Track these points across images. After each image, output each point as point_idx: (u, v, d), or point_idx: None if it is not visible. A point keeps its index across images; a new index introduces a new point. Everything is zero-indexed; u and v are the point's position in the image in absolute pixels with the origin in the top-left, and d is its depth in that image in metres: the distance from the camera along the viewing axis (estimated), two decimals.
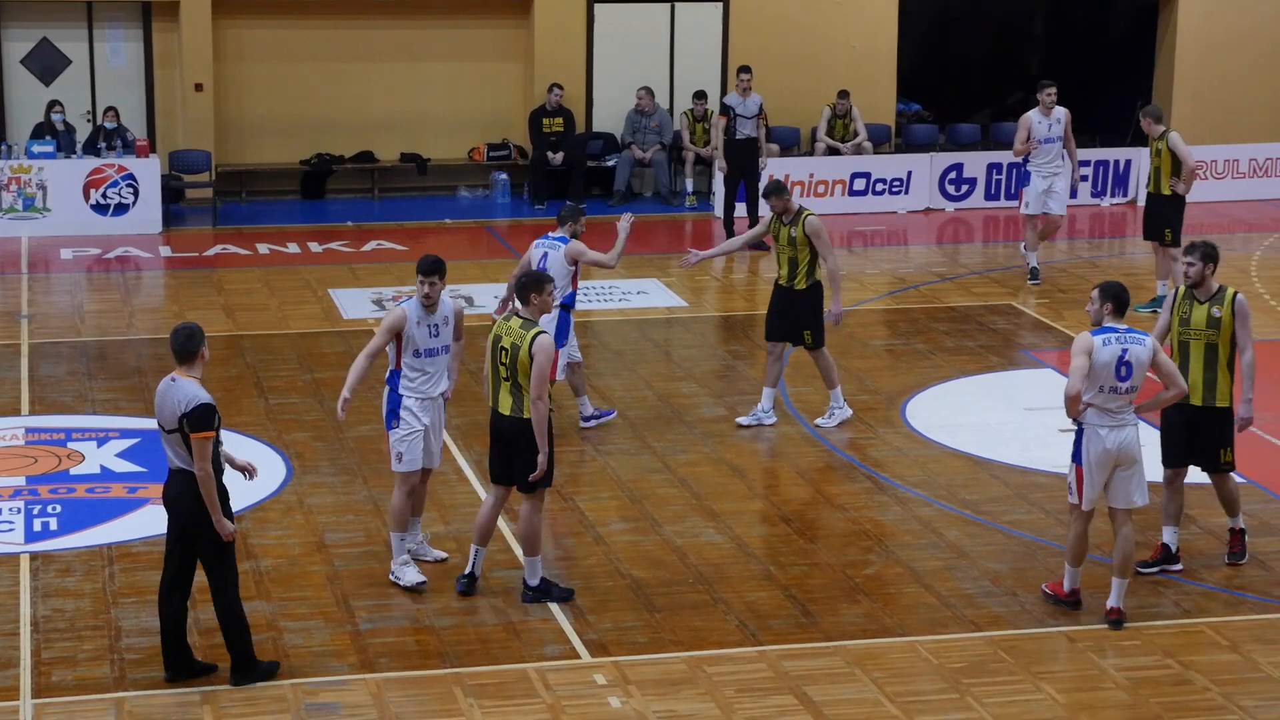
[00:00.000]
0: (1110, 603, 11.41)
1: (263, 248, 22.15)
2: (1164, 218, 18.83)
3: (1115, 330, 11.28)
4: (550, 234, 14.92)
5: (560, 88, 24.52)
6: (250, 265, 21.27)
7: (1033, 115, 20.26)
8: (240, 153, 24.86)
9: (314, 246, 22.21)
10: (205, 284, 20.32)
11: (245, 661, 10.55)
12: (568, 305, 14.73)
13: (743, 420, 15.33)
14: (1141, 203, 24.55)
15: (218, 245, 22.34)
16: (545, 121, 24.58)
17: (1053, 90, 20.21)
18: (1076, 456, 11.37)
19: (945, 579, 12.11)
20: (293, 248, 22.16)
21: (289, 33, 24.80)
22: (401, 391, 11.82)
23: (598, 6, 25.14)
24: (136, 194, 22.81)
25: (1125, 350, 11.19)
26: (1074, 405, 11.22)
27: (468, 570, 11.83)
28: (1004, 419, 15.39)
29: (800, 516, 13.32)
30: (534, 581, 11.71)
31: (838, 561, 12.42)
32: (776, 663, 10.86)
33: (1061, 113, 20.22)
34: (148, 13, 24.34)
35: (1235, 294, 11.99)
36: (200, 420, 10.15)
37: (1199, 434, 12.03)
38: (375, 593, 11.82)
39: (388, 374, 11.92)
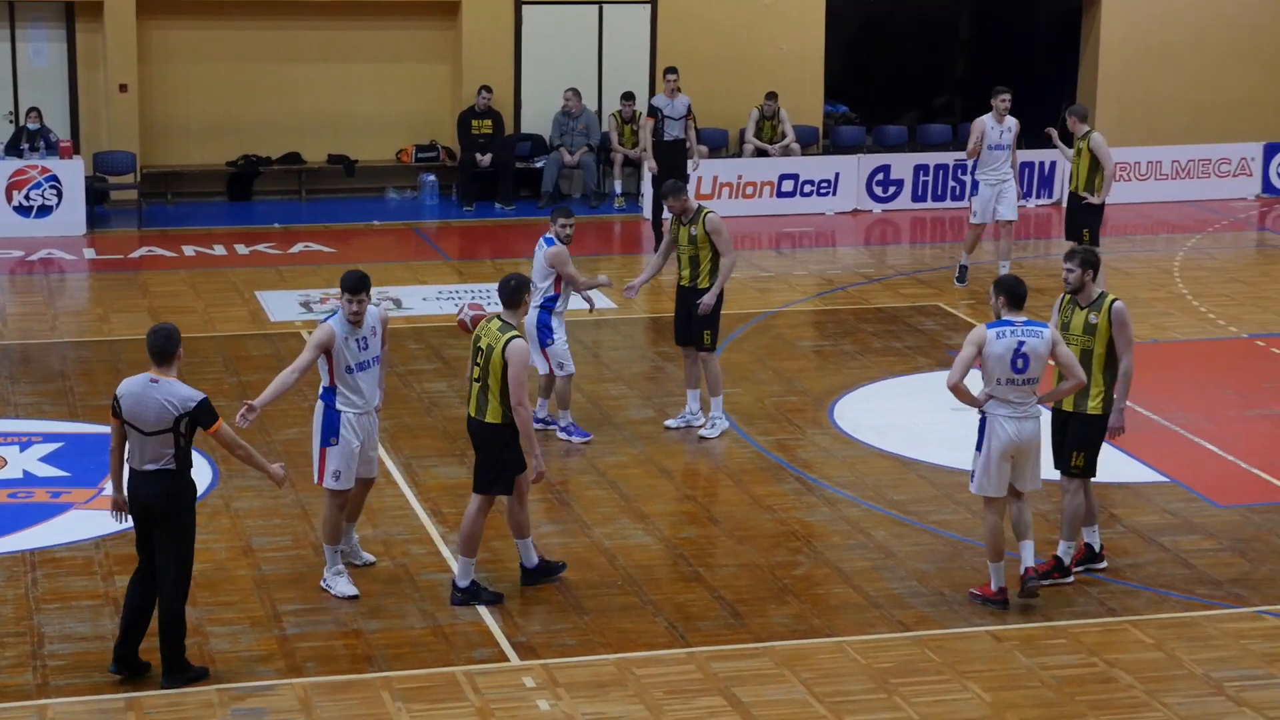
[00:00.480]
0: (1025, 565, 11.55)
1: (188, 250, 22.00)
2: (1084, 218, 18.94)
3: (1011, 323, 11.40)
4: (547, 233, 14.91)
5: (489, 90, 24.49)
6: (176, 268, 21.13)
7: (986, 120, 20.05)
8: (166, 154, 24.69)
9: (240, 248, 22.08)
10: (130, 286, 20.17)
11: (178, 664, 10.50)
12: (548, 306, 14.70)
13: (671, 422, 15.34)
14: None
15: (143, 247, 22.18)
16: (474, 123, 24.54)
17: (1007, 97, 20.06)
18: (979, 445, 11.50)
19: (873, 579, 12.17)
20: (219, 250, 22.03)
21: (215, 33, 24.65)
22: (339, 408, 11.70)
23: (526, 8, 25.12)
24: (60, 196, 22.61)
25: (1022, 343, 11.32)
26: (959, 396, 11.37)
27: (523, 563, 11.98)
28: (931, 419, 15.48)
29: (729, 518, 13.35)
30: (463, 583, 11.69)
31: (766, 562, 12.45)
32: (705, 664, 10.88)
33: (1013, 122, 20.09)
34: (71, 13, 24.14)
35: (1113, 302, 11.82)
36: (208, 413, 10.21)
37: (1064, 437, 11.97)
38: (303, 596, 11.76)
39: (321, 390, 11.79)
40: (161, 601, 10.43)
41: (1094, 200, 18.78)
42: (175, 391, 10.20)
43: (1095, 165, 18.79)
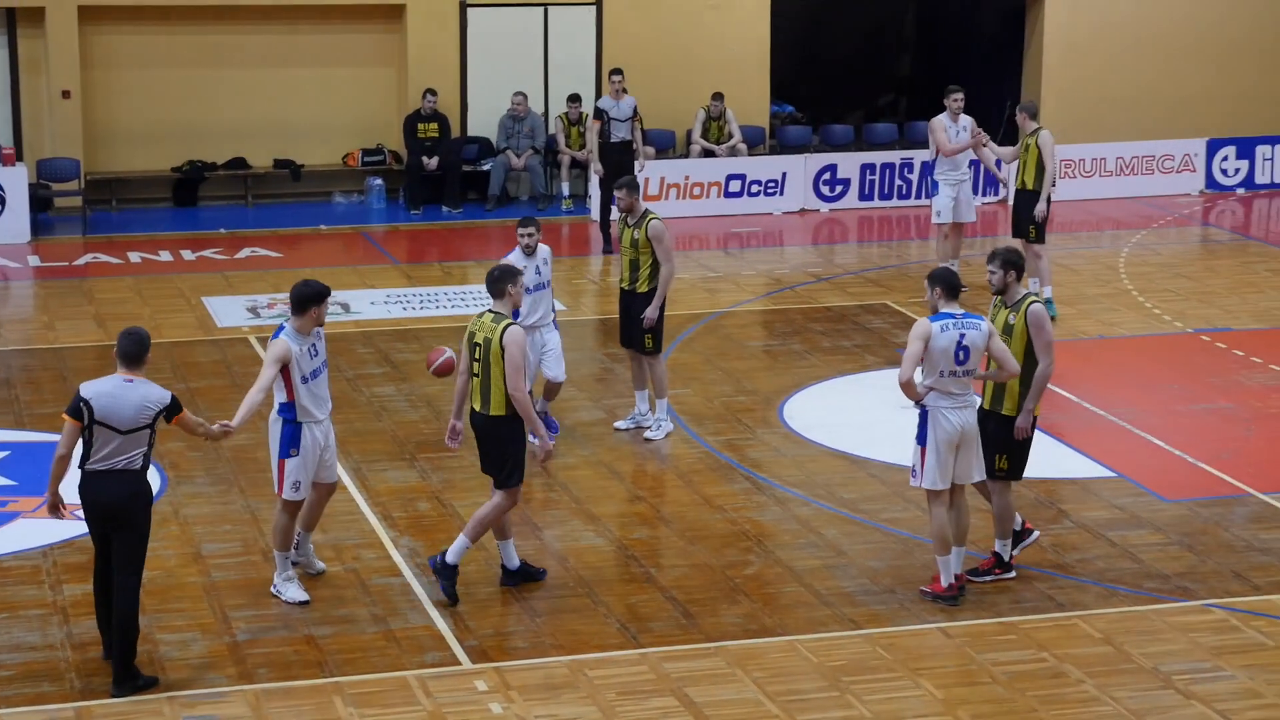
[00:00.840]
0: (954, 571, 11.66)
1: (134, 256, 21.88)
2: (1030, 214, 18.97)
3: (952, 316, 11.51)
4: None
5: (434, 93, 24.43)
6: (122, 274, 21.01)
7: (943, 120, 19.90)
8: (110, 160, 24.55)
9: (187, 254, 21.97)
10: (76, 294, 20.04)
11: (128, 672, 10.49)
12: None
13: (620, 424, 15.35)
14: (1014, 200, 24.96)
15: (88, 254, 22.05)
16: (420, 126, 24.48)
17: (960, 96, 19.86)
18: (921, 439, 11.58)
19: (824, 578, 12.20)
20: (165, 256, 21.92)
21: (158, 39, 24.51)
22: (300, 420, 11.64)
23: (471, 11, 25.07)
24: (3, 203, 22.45)
25: (963, 335, 11.44)
26: (908, 391, 11.44)
27: (504, 565, 12.08)
28: (880, 417, 15.52)
29: (680, 518, 13.36)
30: (453, 560, 11.75)
31: (718, 562, 12.47)
32: (658, 664, 10.89)
33: (968, 120, 19.93)
34: (12, 18, 23.96)
35: (1031, 304, 11.82)
36: (178, 403, 10.61)
37: (985, 438, 11.86)
38: (253, 603, 11.72)
39: (278, 406, 11.67)
40: (115, 604, 10.47)
41: (1039, 211, 18.69)
42: (151, 392, 10.47)
43: (1041, 163, 18.86)
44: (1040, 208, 18.79)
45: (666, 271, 14.82)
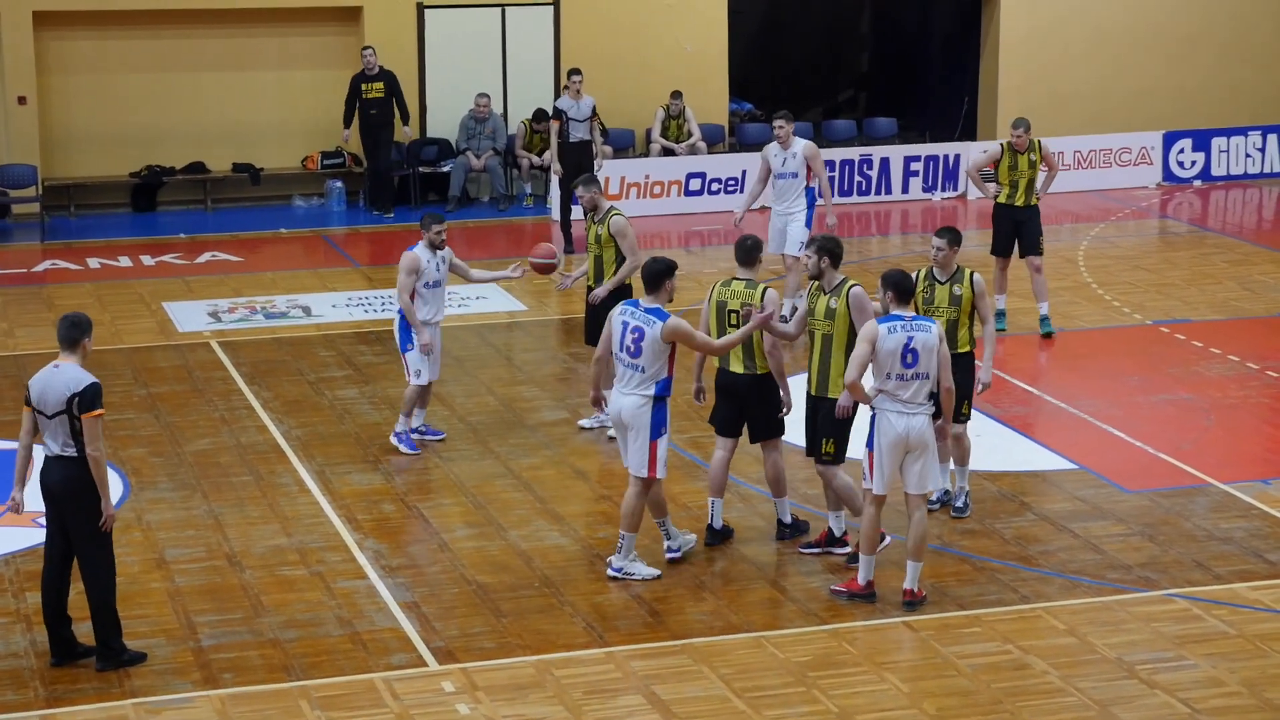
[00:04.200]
0: (905, 584, 11.65)
1: (93, 262, 21.80)
2: (1037, 226, 17.97)
3: (901, 318, 11.53)
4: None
5: (372, 50, 23.86)
6: (81, 280, 20.93)
7: (771, 149, 18.27)
8: (67, 166, 24.45)
9: (146, 259, 21.90)
10: (34, 300, 19.96)
11: (110, 649, 10.69)
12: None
13: (585, 423, 15.36)
14: (974, 196, 25.08)
15: (46, 261, 21.95)
16: (364, 86, 23.74)
17: (783, 123, 17.95)
18: (870, 442, 11.60)
19: (789, 574, 12.23)
20: (124, 261, 21.84)
21: (114, 44, 24.43)
22: (669, 397, 12.09)
23: (428, 12, 25.05)
24: None
25: (911, 337, 11.44)
26: (856, 393, 11.53)
27: (713, 524, 12.64)
28: None
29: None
30: (786, 519, 12.62)
31: (683, 560, 12.47)
32: (624, 663, 10.90)
33: (801, 146, 18.07)
34: None
35: (851, 287, 12.09)
36: (91, 400, 10.42)
37: (816, 423, 12.28)
38: (218, 607, 11.69)
39: (657, 386, 11.93)
40: (89, 596, 10.67)
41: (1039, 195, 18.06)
42: (71, 374, 10.50)
43: (1035, 178, 17.96)
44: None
45: (632, 265, 14.84)
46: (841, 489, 12.29)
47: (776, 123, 18.04)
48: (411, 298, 14.46)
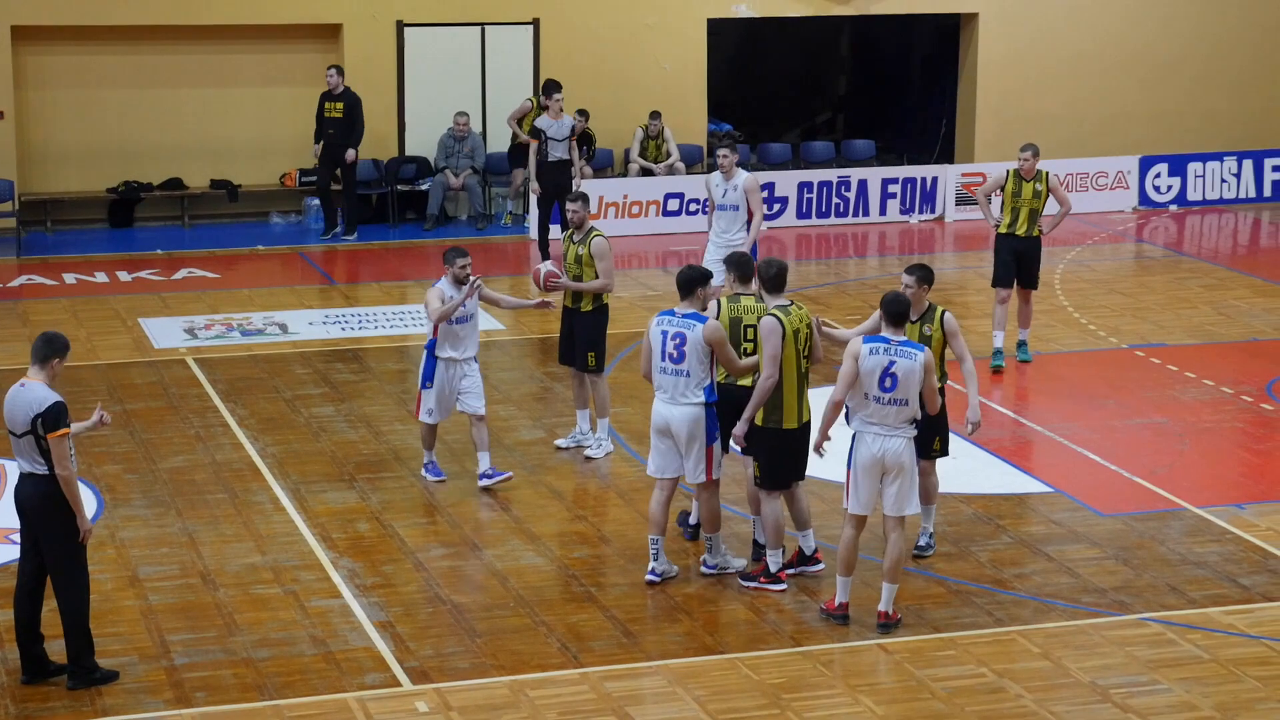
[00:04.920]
0: (879, 607, 11.65)
1: (70, 278, 21.75)
2: (1036, 258, 17.70)
3: (887, 340, 11.51)
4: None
5: (339, 70, 23.64)
6: (57, 296, 20.88)
7: (713, 178, 17.65)
8: (45, 181, 24.40)
9: (123, 275, 21.85)
10: (10, 316, 19.89)
11: (82, 666, 10.64)
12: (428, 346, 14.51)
13: (561, 442, 15.35)
14: (951, 218, 25.14)
15: (22, 276, 21.90)
16: (326, 105, 23.58)
17: (726, 152, 17.33)
18: (848, 461, 11.61)
19: (763, 595, 12.22)
20: (101, 277, 21.79)
21: (93, 58, 24.39)
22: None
23: (408, 30, 25.05)
24: None
25: (893, 362, 11.41)
26: (835, 411, 11.57)
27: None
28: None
29: (620, 537, 13.36)
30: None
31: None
32: (599, 684, 10.89)
33: (742, 178, 17.42)
34: None
35: (764, 315, 12.15)
36: (55, 419, 10.32)
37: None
38: (190, 626, 11.65)
39: (707, 390, 12.19)
40: (62, 613, 10.63)
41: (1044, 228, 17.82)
42: (35, 393, 10.42)
43: (1040, 208, 17.65)
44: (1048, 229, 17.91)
45: (603, 284, 14.80)
46: (765, 514, 12.30)
47: (720, 152, 17.40)
48: (434, 334, 14.20)
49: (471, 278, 14.13)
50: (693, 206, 24.68)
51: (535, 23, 25.39)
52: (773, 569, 12.28)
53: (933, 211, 25.49)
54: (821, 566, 12.43)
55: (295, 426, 15.90)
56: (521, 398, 16.91)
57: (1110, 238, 24.69)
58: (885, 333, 11.57)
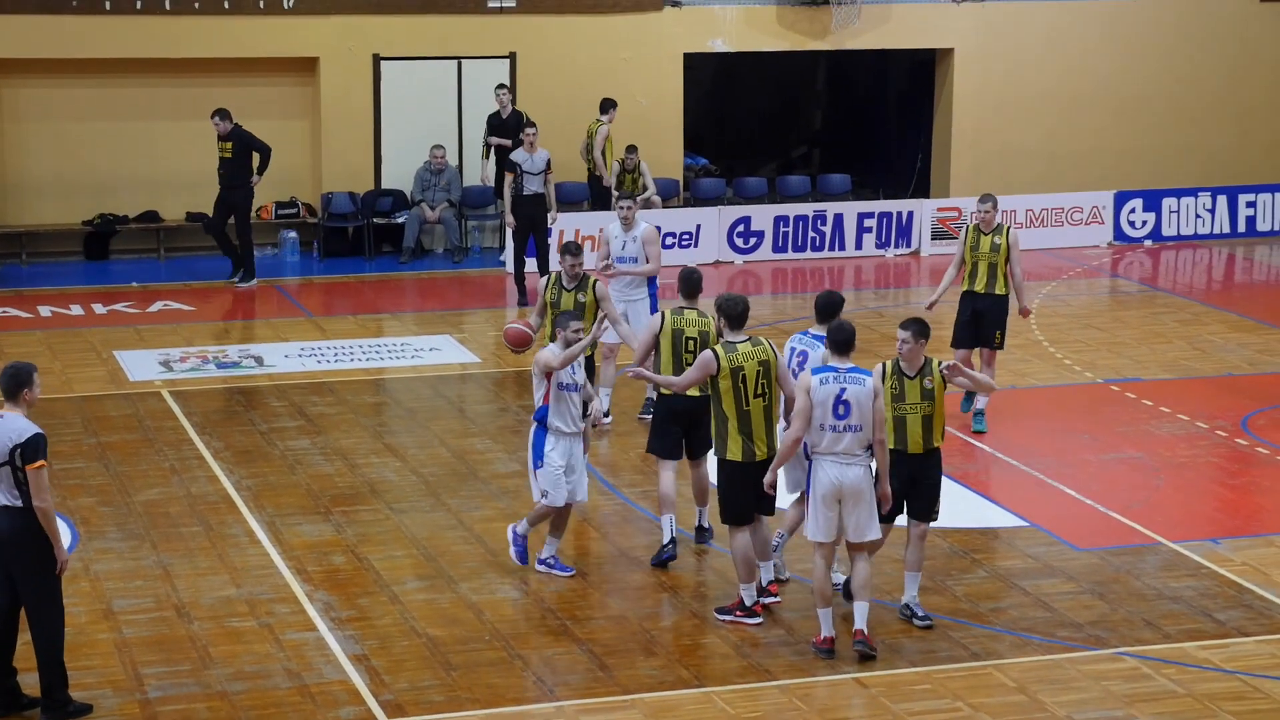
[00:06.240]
0: (855, 625, 11.70)
1: (44, 310, 21.69)
2: (996, 318, 16.86)
3: (835, 369, 11.60)
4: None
5: (222, 114, 22.65)
6: (31, 328, 20.82)
7: (611, 229, 16.99)
8: (19, 213, 24.34)
9: (98, 308, 21.80)
10: None
11: (56, 700, 10.57)
12: (539, 418, 13.40)
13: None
14: (927, 252, 25.21)
15: None
16: (219, 145, 22.83)
17: (630, 203, 16.86)
18: (808, 489, 11.68)
19: (740, 629, 12.21)
20: (76, 309, 21.74)
21: (69, 91, 24.36)
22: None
23: (384, 64, 25.07)
24: None
25: (844, 389, 11.51)
26: (794, 447, 11.76)
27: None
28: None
29: (596, 570, 13.34)
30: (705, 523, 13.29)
31: (634, 614, 12.46)
32: (574, 717, 10.86)
33: (642, 230, 16.83)
34: None
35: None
36: (34, 451, 10.27)
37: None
38: (165, 659, 11.60)
39: (805, 447, 12.04)
40: (36, 647, 10.56)
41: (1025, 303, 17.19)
42: (13, 426, 10.36)
43: (1000, 263, 16.81)
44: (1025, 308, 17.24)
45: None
46: (742, 551, 12.32)
47: (624, 204, 16.90)
48: (545, 400, 13.02)
49: (581, 332, 12.96)
50: (668, 240, 24.70)
51: (512, 56, 25.43)
52: (747, 602, 12.27)
53: (908, 246, 25.55)
54: (777, 599, 12.44)
55: (270, 459, 15.86)
56: (497, 430, 16.89)
57: (1085, 273, 24.78)
58: (832, 361, 11.67)
